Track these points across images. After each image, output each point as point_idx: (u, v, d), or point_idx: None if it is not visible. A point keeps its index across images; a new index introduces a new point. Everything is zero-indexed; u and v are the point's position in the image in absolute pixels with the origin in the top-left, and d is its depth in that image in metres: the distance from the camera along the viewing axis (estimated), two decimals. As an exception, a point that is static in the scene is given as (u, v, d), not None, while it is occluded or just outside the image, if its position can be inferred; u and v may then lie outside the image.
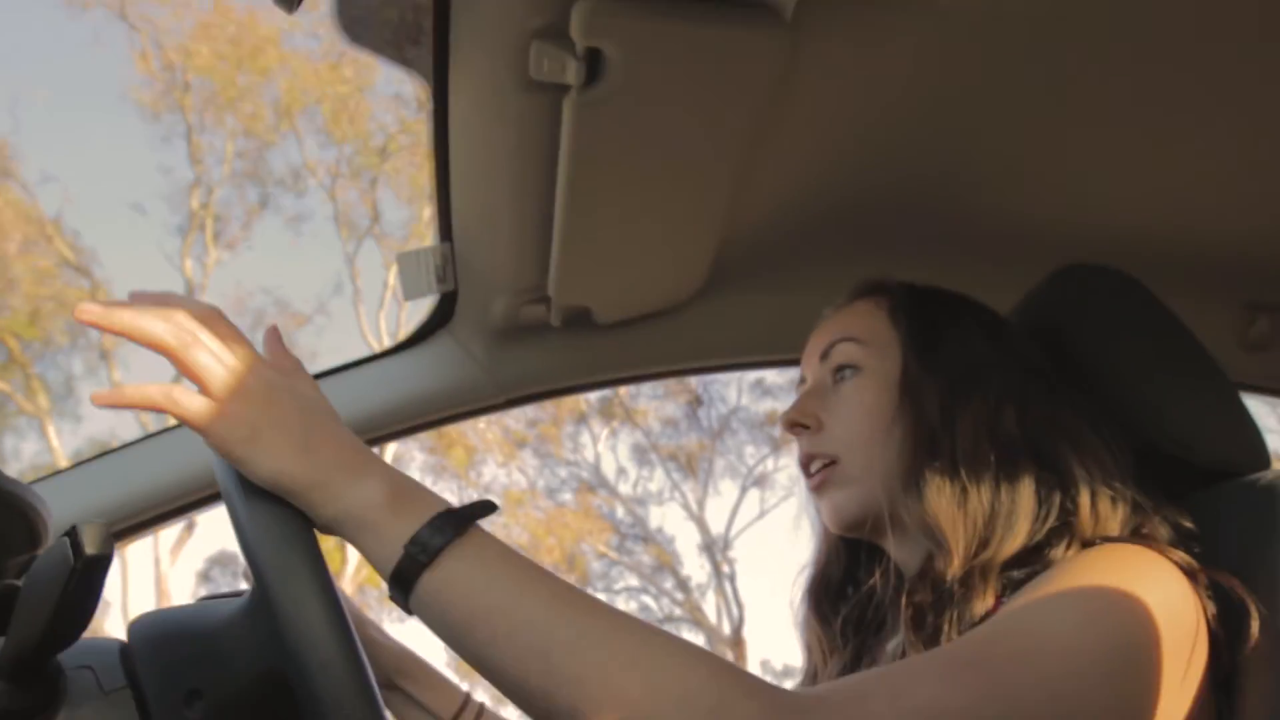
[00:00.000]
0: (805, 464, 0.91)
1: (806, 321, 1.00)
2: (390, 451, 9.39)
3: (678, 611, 12.32)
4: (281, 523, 0.66)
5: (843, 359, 0.91)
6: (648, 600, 12.31)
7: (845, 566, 0.95)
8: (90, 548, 0.58)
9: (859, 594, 0.92)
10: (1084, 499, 0.78)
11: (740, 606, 11.97)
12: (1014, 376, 0.86)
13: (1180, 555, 0.74)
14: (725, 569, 12.05)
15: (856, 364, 0.90)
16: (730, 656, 11.64)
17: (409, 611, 0.65)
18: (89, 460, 1.26)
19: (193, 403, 0.64)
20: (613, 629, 0.61)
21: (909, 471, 0.83)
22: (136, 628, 0.72)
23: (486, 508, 0.66)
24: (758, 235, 1.19)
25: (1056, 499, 0.79)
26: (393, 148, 10.44)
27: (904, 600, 0.80)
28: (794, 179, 1.11)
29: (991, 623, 0.69)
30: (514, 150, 0.98)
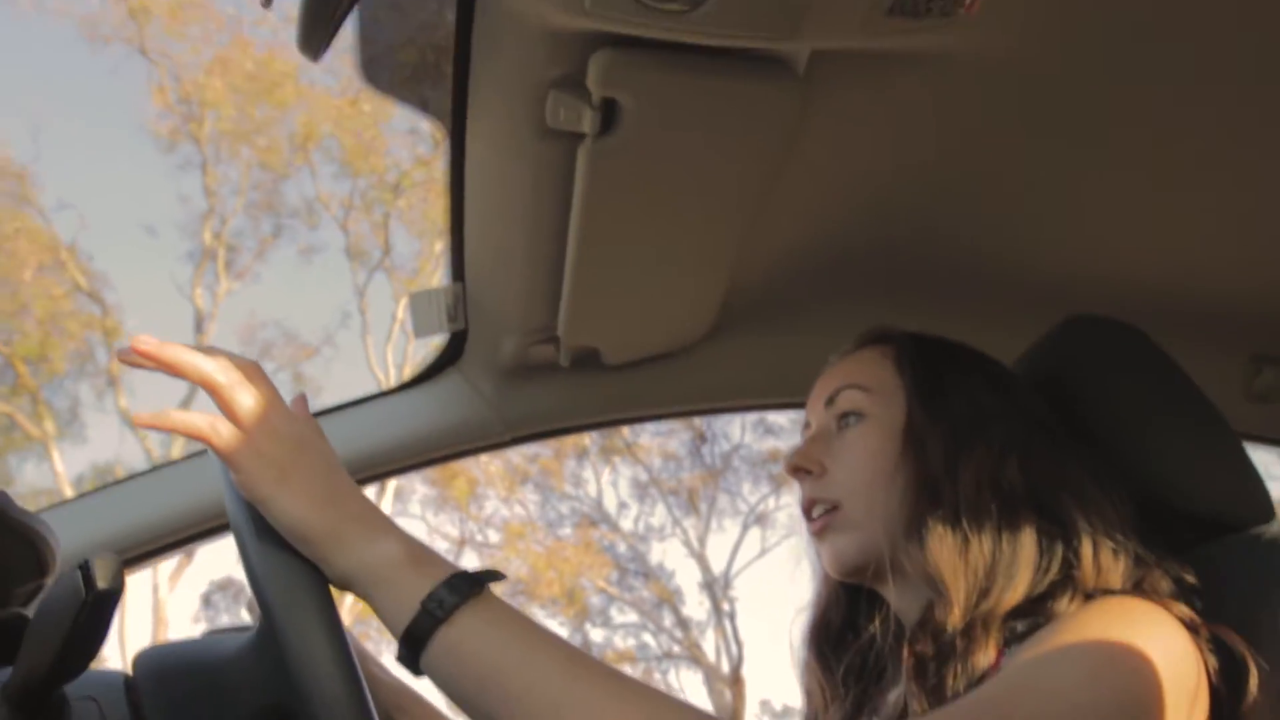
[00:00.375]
0: (807, 509, 0.91)
1: (812, 365, 1.01)
2: (391, 484, 9.37)
3: (676, 649, 12.21)
4: (291, 558, 0.67)
5: (848, 406, 0.92)
6: (647, 637, 12.21)
7: (845, 612, 0.95)
8: (102, 581, 0.59)
9: (859, 641, 0.92)
10: (1086, 550, 0.79)
11: (740, 645, 11.85)
12: (1017, 427, 0.87)
13: (1182, 609, 0.74)
14: (725, 607, 11.94)
15: (861, 411, 0.91)
16: (729, 695, 11.56)
17: (417, 672, 0.66)
18: (97, 490, 1.27)
19: (233, 437, 0.67)
20: (625, 691, 0.62)
21: (911, 519, 0.83)
22: (141, 661, 0.72)
23: (496, 575, 0.68)
24: (766, 281, 1.20)
25: (1059, 550, 0.79)
26: (406, 183, 10.53)
27: (905, 650, 0.80)
28: (803, 227, 1.13)
29: (1001, 680, 0.69)
30: (529, 194, 0.99)
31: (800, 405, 1.01)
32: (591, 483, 12.17)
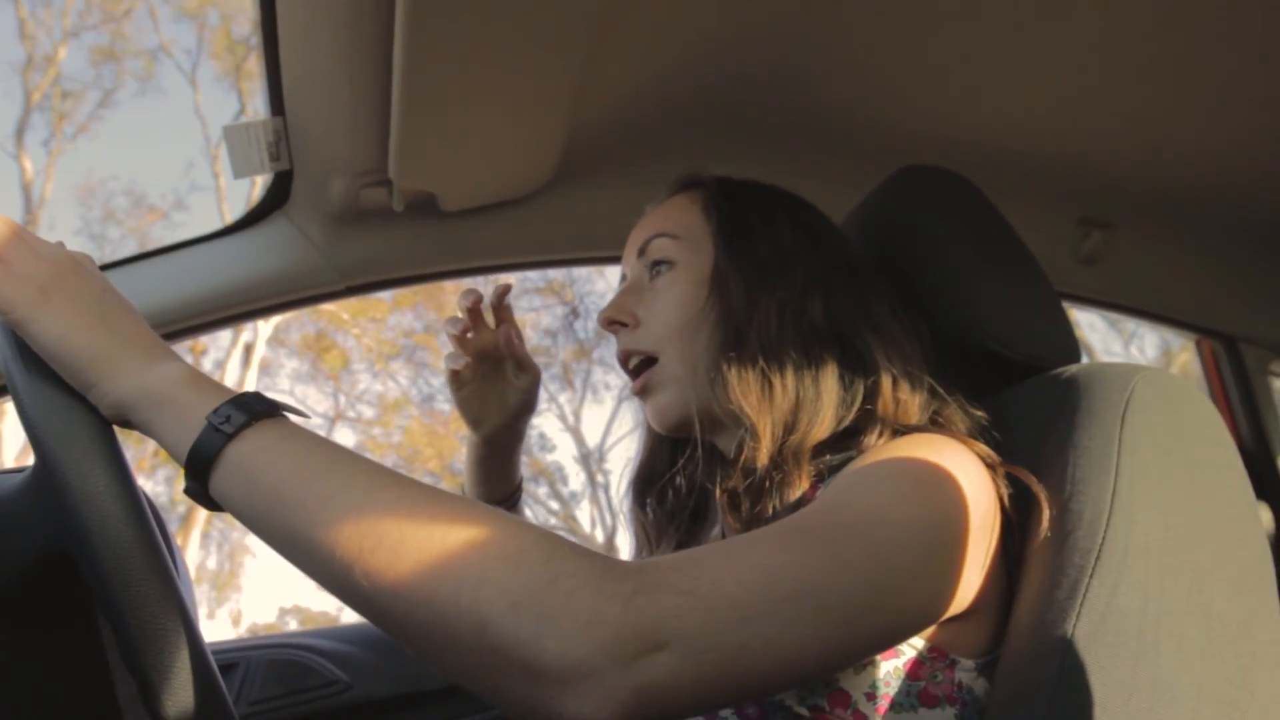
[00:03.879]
0: (624, 361, 0.90)
1: (655, 217, 0.99)
2: (257, 356, 9.06)
3: (553, 520, 12.49)
4: (65, 391, 0.62)
5: (658, 254, 0.90)
6: (525, 509, 12.41)
7: (668, 457, 0.96)
8: None
9: (679, 485, 0.93)
10: (886, 384, 0.81)
11: (613, 515, 12.14)
12: (820, 266, 0.86)
13: (980, 446, 0.77)
14: (600, 479, 12.23)
15: (671, 259, 0.89)
16: (602, 563, 11.91)
17: (207, 501, 0.61)
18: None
19: None
20: (434, 494, 0.58)
21: (715, 363, 0.83)
22: (-94, 504, 0.67)
23: (295, 409, 0.63)
24: (606, 127, 1.16)
25: (859, 384, 0.81)
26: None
27: (718, 488, 0.81)
28: (641, 67, 1.08)
29: (819, 499, 0.70)
30: (347, 16, 0.92)
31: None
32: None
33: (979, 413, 0.83)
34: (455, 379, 1.04)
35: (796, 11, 1.04)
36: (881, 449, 0.75)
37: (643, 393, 0.89)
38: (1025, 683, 0.70)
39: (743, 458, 0.79)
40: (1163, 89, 1.21)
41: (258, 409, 0.60)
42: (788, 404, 0.79)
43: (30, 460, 0.66)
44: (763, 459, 0.78)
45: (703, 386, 0.84)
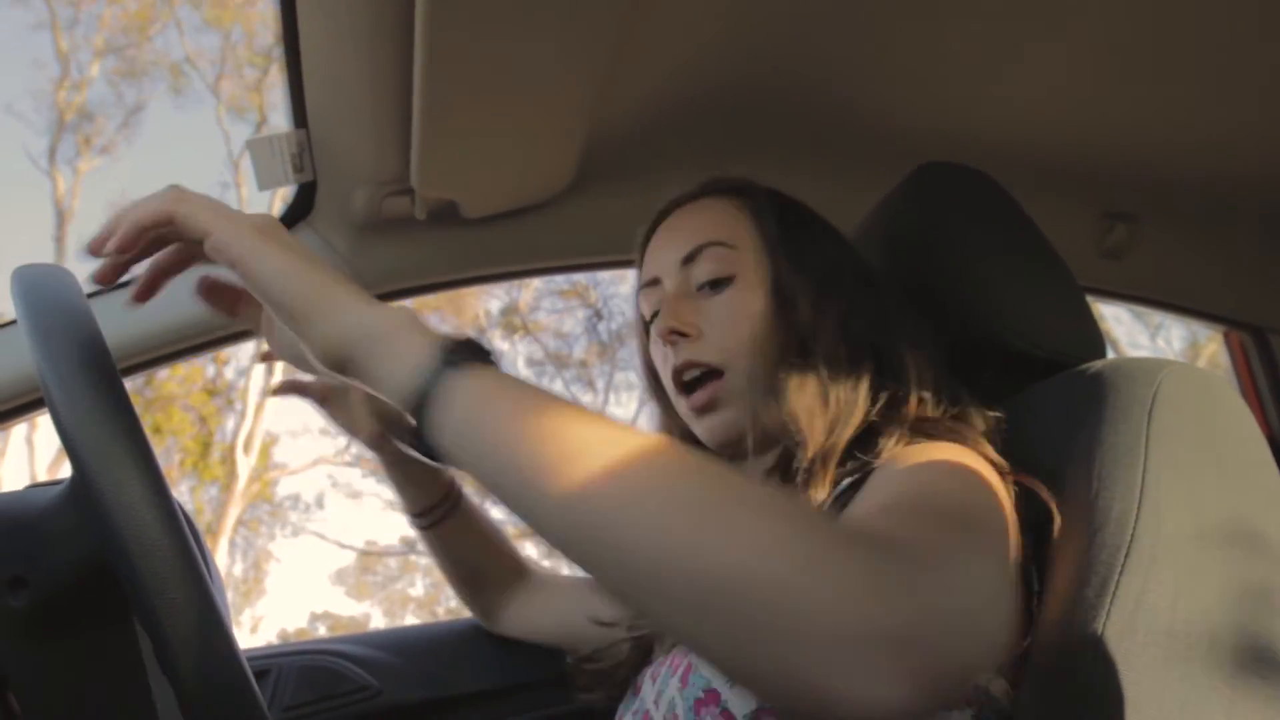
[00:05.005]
0: (681, 372, 0.87)
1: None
2: (280, 363, 9.13)
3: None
4: (102, 400, 0.63)
5: (716, 264, 0.88)
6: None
7: None
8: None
9: None
10: (912, 391, 0.82)
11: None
12: (857, 280, 0.89)
13: (991, 452, 0.77)
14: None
15: (731, 270, 0.88)
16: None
17: (428, 433, 0.56)
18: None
19: (203, 203, 0.62)
20: (684, 452, 0.52)
21: (775, 375, 0.83)
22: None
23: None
24: (624, 132, 1.17)
25: (886, 392, 0.82)
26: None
27: None
28: (659, 72, 1.09)
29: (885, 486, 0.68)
30: (368, 25, 0.93)
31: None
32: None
33: (994, 413, 0.84)
34: (316, 397, 1.01)
35: (812, 13, 1.04)
36: (904, 455, 0.75)
37: (706, 407, 0.87)
38: (1055, 681, 0.70)
39: (787, 467, 0.80)
40: (1185, 78, 1.20)
41: (477, 352, 0.57)
42: (836, 412, 0.80)
43: (60, 472, 0.67)
44: (805, 462, 0.78)
45: (761, 402, 0.84)
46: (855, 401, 0.81)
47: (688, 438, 0.92)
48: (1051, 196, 1.31)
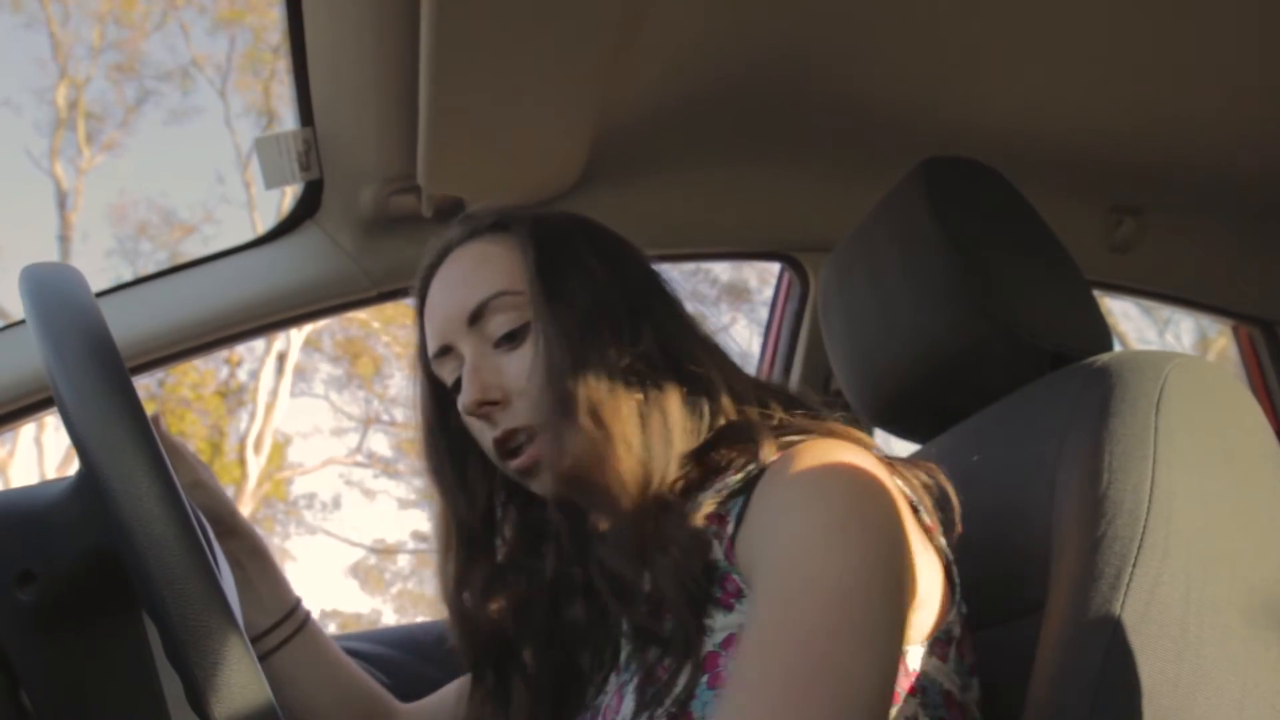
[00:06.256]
0: (503, 443, 0.80)
1: (682, 217, 0.99)
2: (291, 362, 9.16)
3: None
4: (109, 393, 0.63)
5: (505, 314, 0.80)
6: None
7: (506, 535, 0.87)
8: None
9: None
10: (725, 400, 0.79)
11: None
12: (636, 296, 0.82)
13: (869, 440, 0.76)
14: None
15: (525, 317, 0.80)
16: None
17: None
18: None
19: None
20: None
21: (575, 419, 0.76)
22: (-41, 513, 0.68)
23: None
24: (633, 126, 1.17)
25: (705, 404, 0.79)
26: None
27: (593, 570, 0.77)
28: (666, 67, 1.09)
29: (782, 615, 0.65)
30: (373, 23, 0.93)
31: (671, 258, 0.99)
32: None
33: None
34: None
35: (819, 7, 1.04)
36: (782, 468, 0.72)
37: (529, 471, 0.80)
38: (1066, 675, 0.69)
39: (607, 528, 0.76)
40: (1194, 71, 1.20)
41: None
42: (634, 458, 0.75)
43: (69, 472, 0.68)
44: (628, 519, 0.74)
45: (575, 451, 0.77)
46: (666, 431, 0.76)
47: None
48: (1059, 190, 1.31)
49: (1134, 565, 0.69)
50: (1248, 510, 0.72)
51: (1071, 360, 0.88)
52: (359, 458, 8.79)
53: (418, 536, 8.37)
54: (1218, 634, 0.67)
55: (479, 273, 0.82)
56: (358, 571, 8.53)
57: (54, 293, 0.67)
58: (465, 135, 1.06)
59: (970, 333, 0.91)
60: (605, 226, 0.87)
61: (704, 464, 0.77)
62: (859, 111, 1.22)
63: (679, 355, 0.80)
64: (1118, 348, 0.92)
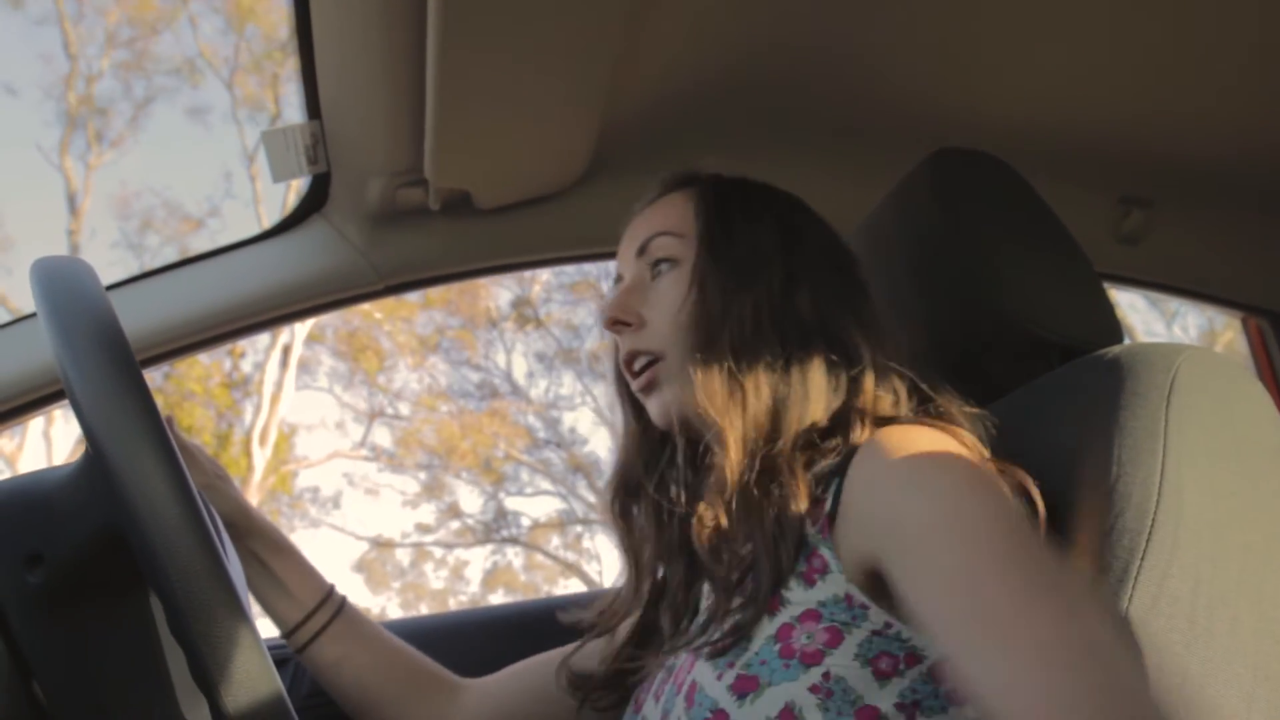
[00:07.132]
0: (629, 362, 0.88)
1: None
2: (295, 356, 9.17)
3: (593, 515, 12.51)
4: (116, 377, 0.63)
5: (660, 253, 0.89)
6: (560, 502, 12.46)
7: (646, 461, 0.92)
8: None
9: (674, 489, 0.90)
10: (868, 376, 0.81)
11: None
12: (804, 264, 0.86)
13: (967, 436, 0.76)
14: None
15: (673, 257, 0.88)
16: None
17: None
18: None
19: None
20: None
21: (694, 361, 0.82)
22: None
23: None
24: (640, 120, 1.17)
25: (845, 377, 0.81)
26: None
27: (695, 522, 0.79)
28: (672, 60, 1.09)
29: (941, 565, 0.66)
30: (380, 17, 0.93)
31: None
32: (502, 354, 12.12)
33: (973, 409, 0.82)
34: None
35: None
36: (884, 448, 0.73)
37: (648, 389, 0.87)
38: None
39: (712, 467, 0.78)
40: (1203, 62, 1.19)
41: None
42: (761, 408, 0.79)
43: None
44: (732, 469, 0.77)
45: (688, 386, 0.82)
46: (805, 394, 0.80)
47: (645, 423, 0.91)
48: (1068, 182, 1.31)
49: (1142, 558, 0.69)
50: (1258, 502, 0.72)
51: (1081, 353, 0.88)
52: (364, 451, 8.81)
53: (421, 528, 8.38)
54: (1227, 625, 0.67)
55: (655, 215, 0.92)
56: (362, 566, 8.55)
57: (65, 285, 0.67)
58: (472, 128, 1.06)
59: (980, 326, 0.91)
60: (789, 193, 0.93)
61: (824, 437, 0.79)
62: (867, 103, 1.21)
63: (833, 326, 0.83)
64: (1126, 340, 0.92)
